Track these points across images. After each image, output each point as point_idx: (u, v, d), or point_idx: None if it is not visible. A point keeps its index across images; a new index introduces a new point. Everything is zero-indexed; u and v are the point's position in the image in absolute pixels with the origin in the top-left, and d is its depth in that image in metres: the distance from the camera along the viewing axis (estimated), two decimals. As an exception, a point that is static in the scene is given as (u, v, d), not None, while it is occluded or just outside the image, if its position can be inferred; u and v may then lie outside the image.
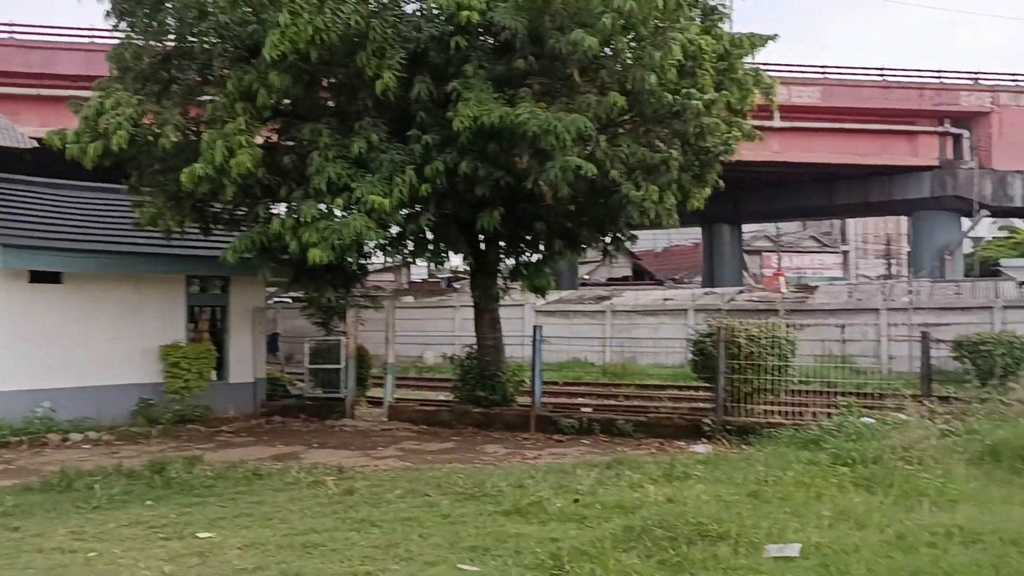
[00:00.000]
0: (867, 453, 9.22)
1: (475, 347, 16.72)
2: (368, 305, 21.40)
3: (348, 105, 13.51)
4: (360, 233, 11.85)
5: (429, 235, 14.56)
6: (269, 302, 24.92)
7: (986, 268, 43.67)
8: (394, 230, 14.10)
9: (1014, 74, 39.17)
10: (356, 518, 7.95)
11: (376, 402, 18.09)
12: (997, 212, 41.56)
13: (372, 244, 13.88)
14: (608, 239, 15.58)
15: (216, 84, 13.65)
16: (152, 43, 13.70)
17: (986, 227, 55.16)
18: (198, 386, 16.53)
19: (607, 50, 11.96)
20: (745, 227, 53.14)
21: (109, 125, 12.38)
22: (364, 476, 10.43)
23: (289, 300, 32.07)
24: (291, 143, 14.05)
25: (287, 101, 13.57)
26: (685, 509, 7.57)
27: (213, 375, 17.38)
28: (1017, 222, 60.68)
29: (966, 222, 40.10)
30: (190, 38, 13.52)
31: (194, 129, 13.89)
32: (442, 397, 18.79)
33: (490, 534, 7.26)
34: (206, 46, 13.25)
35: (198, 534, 7.53)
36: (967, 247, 45.50)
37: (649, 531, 6.92)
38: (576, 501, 8.38)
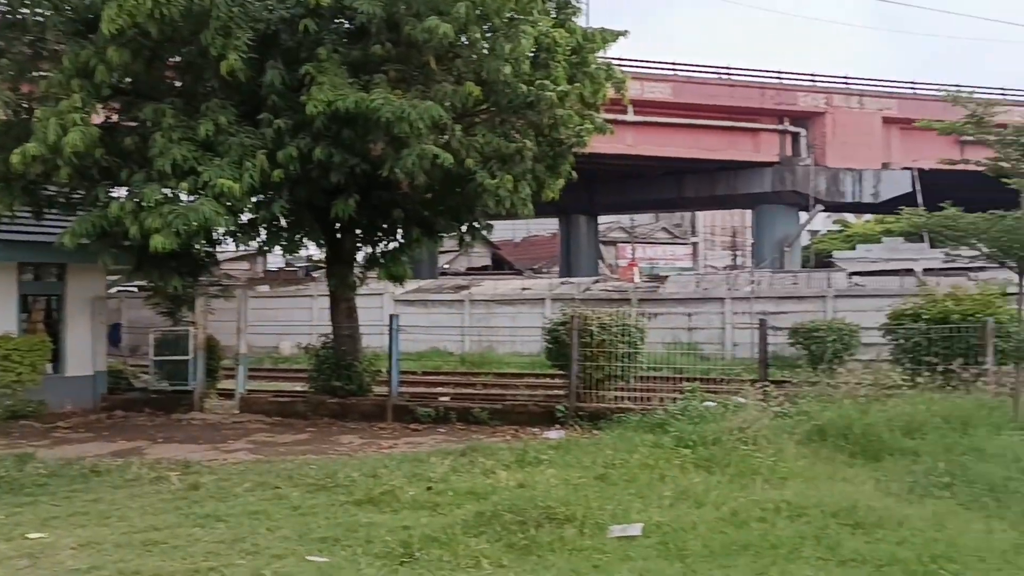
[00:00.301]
0: (707, 435, 9.67)
1: (331, 337, 16.45)
2: (219, 294, 20.67)
3: (194, 85, 12.99)
4: (208, 219, 11.43)
5: (283, 222, 14.19)
6: (111, 291, 23.69)
7: (821, 260, 46.47)
8: (246, 216, 13.69)
9: (846, 77, 41.71)
10: (201, 513, 7.71)
11: (228, 394, 17.50)
12: (830, 207, 44.35)
13: (222, 231, 13.40)
14: (465, 228, 15.64)
15: (50, 59, 12.80)
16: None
17: (821, 221, 58.85)
18: (31, 380, 15.52)
19: (463, 39, 12.00)
20: (601, 218, 54.55)
21: (-68, 101, 11.43)
22: (211, 470, 10.09)
23: (134, 289, 30.59)
24: (133, 123, 13.37)
25: (128, 80, 12.89)
26: (535, 493, 7.76)
27: (48, 368, 16.36)
28: (849, 216, 65.04)
29: (803, 216, 42.58)
30: (22, 9, 12.62)
31: (26, 106, 13.01)
32: (298, 388, 18.38)
33: (341, 524, 7.22)
34: (39, 18, 12.39)
35: (28, 535, 7.12)
36: (805, 239, 48.33)
37: (499, 516, 7.05)
38: (429, 489, 8.44)
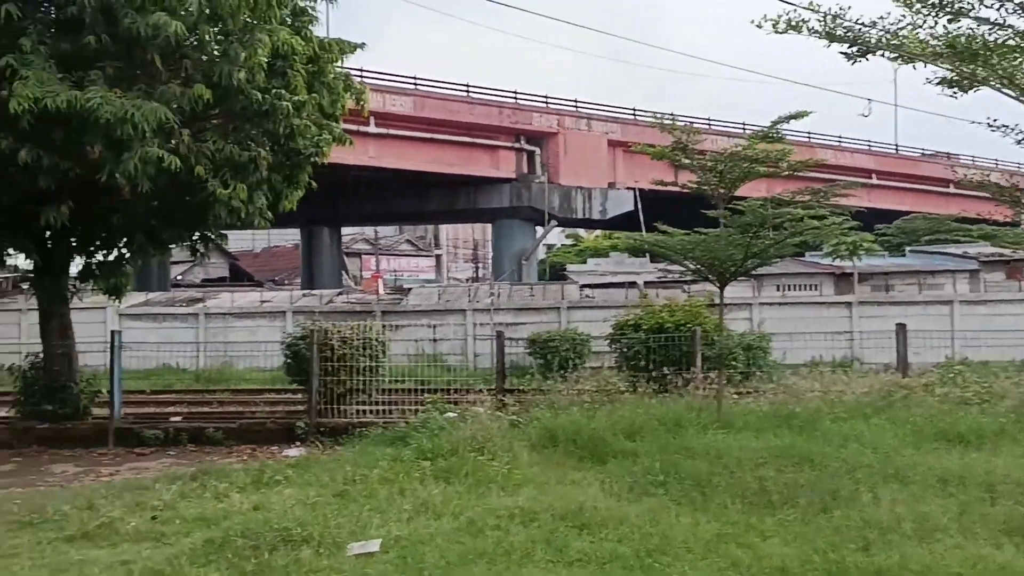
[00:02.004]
0: (446, 446, 9.80)
1: (43, 356, 14.93)
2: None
3: None
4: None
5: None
6: None
7: (555, 272, 48.93)
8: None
9: (576, 101, 44.30)
10: None
11: (-92, 424, 15.37)
12: (564, 222, 46.85)
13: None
14: (196, 238, 14.81)
15: None
16: None
17: (556, 235, 62.06)
18: None
19: (193, 39, 11.35)
20: (345, 230, 53.97)
21: None
22: None
23: None
24: None
25: None
26: (270, 515, 7.50)
27: None
28: (581, 231, 69.09)
29: (539, 230, 44.64)
30: None
31: None
32: (3, 414, 16.54)
33: (48, 564, 6.57)
34: None
35: None
36: (541, 253, 50.68)
37: (231, 542, 6.76)
38: (154, 518, 7.91)
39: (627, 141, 43.54)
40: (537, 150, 42.49)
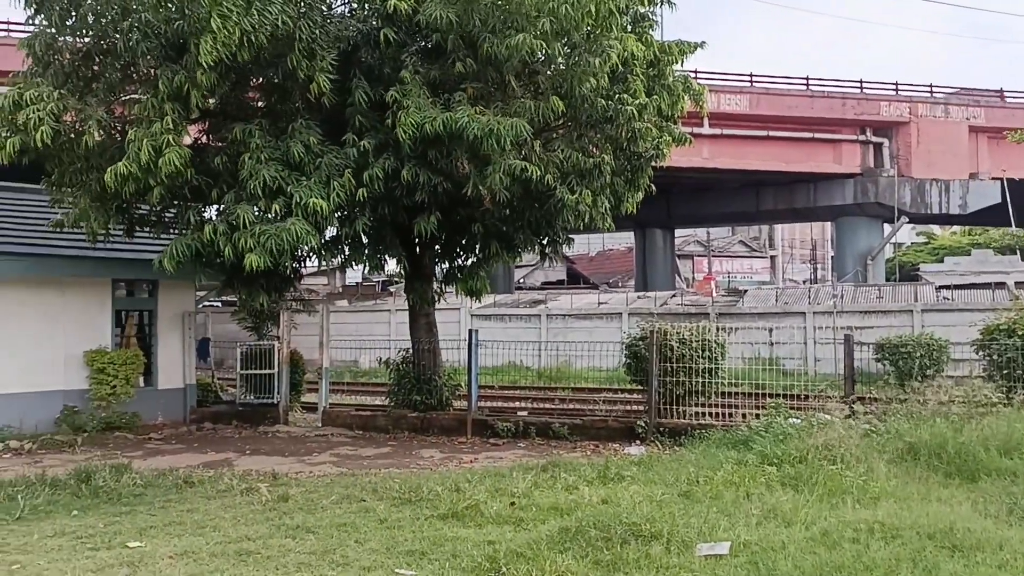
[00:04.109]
0: (793, 453, 9.47)
1: (411, 351, 16.66)
2: (301, 309, 21.16)
3: (278, 106, 13.31)
4: (300, 237, 11.68)
5: (364, 239, 14.48)
6: (199, 306, 24.45)
7: (906, 273, 45.14)
8: (329, 233, 14.01)
9: (930, 85, 40.58)
10: (291, 524, 7.89)
11: (310, 408, 17.90)
12: (916, 219, 43.11)
13: (307, 248, 13.72)
14: (544, 242, 15.71)
15: (142, 82, 13.28)
16: (71, 38, 13.27)
17: (906, 233, 57.22)
18: (125, 392, 16.13)
19: (540, 55, 12.06)
20: (677, 232, 54.08)
21: (30, 120, 11.85)
22: (299, 482, 10.34)
23: (219, 304, 31.51)
24: (221, 144, 13.81)
25: (213, 100, 13.28)
26: (619, 510, 7.70)
27: (141, 381, 16.99)
28: (935, 228, 63.06)
29: (887, 228, 41.46)
30: (112, 35, 13.10)
31: (119, 127, 13.50)
32: (378, 402, 18.69)
33: (427, 538, 7.29)
34: (130, 44, 12.81)
35: (128, 543, 7.38)
36: (888, 252, 47.02)
37: (584, 532, 7.02)
38: (512, 504, 8.45)
39: (993, 126, 39.13)
40: (885, 141, 39.55)
